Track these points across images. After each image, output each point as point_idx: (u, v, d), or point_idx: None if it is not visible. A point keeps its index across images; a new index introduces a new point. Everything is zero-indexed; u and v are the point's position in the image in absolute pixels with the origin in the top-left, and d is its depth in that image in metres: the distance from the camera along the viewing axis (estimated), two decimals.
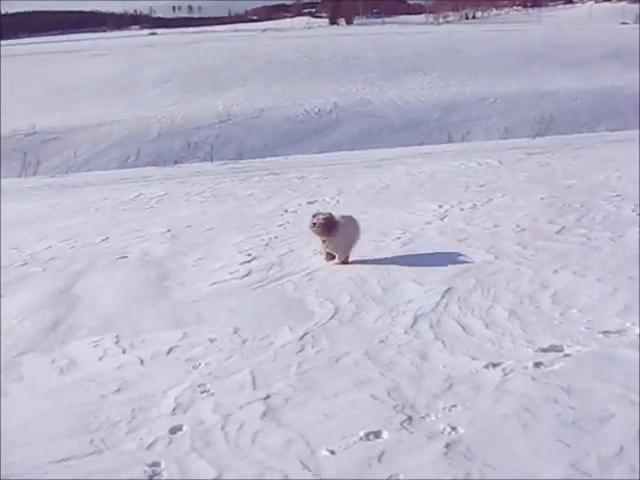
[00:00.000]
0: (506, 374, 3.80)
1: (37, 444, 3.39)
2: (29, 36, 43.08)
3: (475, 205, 7.98)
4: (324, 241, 6.02)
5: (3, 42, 41.83)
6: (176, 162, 14.08)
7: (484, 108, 21.90)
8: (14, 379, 4.18)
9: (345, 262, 6.12)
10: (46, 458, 3.25)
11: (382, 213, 7.91)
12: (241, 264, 6.23)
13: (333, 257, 6.12)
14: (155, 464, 3.14)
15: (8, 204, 10.42)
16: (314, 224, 5.94)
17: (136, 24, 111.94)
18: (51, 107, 18.72)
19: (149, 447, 3.29)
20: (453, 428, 3.30)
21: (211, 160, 13.98)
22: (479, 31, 51.42)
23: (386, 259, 6.18)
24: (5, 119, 17.36)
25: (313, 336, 4.50)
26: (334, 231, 5.94)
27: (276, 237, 7.13)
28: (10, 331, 5.01)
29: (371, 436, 3.27)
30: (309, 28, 38.41)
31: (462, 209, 7.85)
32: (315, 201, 8.93)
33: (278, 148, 14.82)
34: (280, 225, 7.68)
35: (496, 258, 5.95)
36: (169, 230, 7.73)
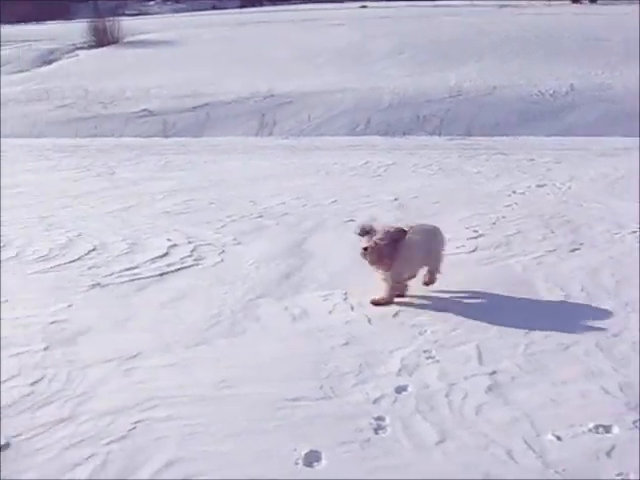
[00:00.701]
0: None
1: (271, 383, 3.63)
2: (273, 4, 45.24)
3: None
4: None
5: (249, 10, 44.19)
6: (404, 133, 14.13)
7: None
8: (252, 320, 4.49)
9: (387, 302, 4.67)
10: (279, 395, 3.48)
11: (617, 204, 7.48)
12: (468, 239, 6.19)
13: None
14: (380, 418, 3.26)
15: (247, 161, 11.11)
16: (365, 249, 4.60)
17: None
18: (289, 72, 19.50)
19: (375, 401, 3.41)
20: None
21: (439, 134, 13.91)
22: None
23: (620, 252, 5.85)
24: (246, 82, 18.38)
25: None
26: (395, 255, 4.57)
27: (504, 217, 7.00)
28: (247, 276, 5.37)
29: (600, 429, 3.17)
30: (549, 5, 36.65)
31: None
32: (545, 185, 8.63)
33: (508, 128, 14.38)
34: (507, 205, 7.52)
35: None
36: (396, 199, 7.84)
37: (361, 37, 23.83)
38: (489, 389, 3.51)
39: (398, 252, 4.54)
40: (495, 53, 20.45)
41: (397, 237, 4.56)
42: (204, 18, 37.88)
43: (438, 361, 3.82)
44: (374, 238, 4.56)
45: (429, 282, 4.93)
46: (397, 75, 18.53)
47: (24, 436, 3.20)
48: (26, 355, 4.05)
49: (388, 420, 3.24)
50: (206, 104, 16.74)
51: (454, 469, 2.89)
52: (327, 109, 15.78)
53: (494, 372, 3.68)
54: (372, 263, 4.61)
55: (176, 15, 44.85)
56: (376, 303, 4.66)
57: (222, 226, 6.86)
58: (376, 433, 3.14)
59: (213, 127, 15.56)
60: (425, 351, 3.95)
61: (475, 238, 6.25)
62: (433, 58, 20.28)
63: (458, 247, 5.98)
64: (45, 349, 4.13)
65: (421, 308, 4.61)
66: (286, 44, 24.02)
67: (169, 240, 6.34)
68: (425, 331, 4.23)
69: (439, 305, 4.64)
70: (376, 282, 4.79)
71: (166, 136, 14.98)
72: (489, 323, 4.34)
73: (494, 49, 20.89)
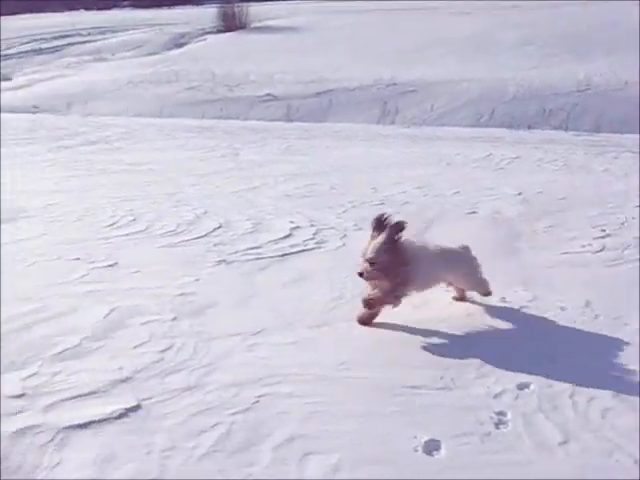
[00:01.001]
0: None
1: (391, 369, 3.66)
2: None
3: None
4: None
5: None
6: (529, 127, 13.76)
7: None
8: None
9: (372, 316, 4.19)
10: (398, 382, 3.51)
11: None
12: (594, 239, 6.00)
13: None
14: (501, 413, 3.23)
15: (369, 148, 11.14)
16: (360, 275, 4.07)
17: None
18: (412, 61, 19.35)
19: (496, 396, 3.38)
20: None
21: (565, 129, 13.47)
22: None
23: None
24: (368, 70, 18.38)
25: None
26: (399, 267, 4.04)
27: (633, 218, 6.73)
28: None
29: None
30: None
31: None
32: None
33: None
34: (638, 206, 7.21)
35: None
36: (520, 193, 7.68)
37: (487, 27, 23.32)
38: (615, 394, 3.40)
39: (408, 263, 4.06)
40: (626, 46, 19.49)
41: (395, 235, 4.14)
42: (330, 4, 38.10)
43: (562, 361, 3.74)
44: (366, 257, 4.03)
45: (459, 298, 4.58)
46: (523, 66, 18.04)
47: (154, 399, 3.37)
48: (156, 324, 4.25)
49: (509, 416, 3.20)
50: (329, 90, 16.87)
51: (577, 471, 2.83)
52: (451, 99, 15.58)
53: (620, 377, 3.57)
54: (374, 286, 4.11)
55: (302, 1, 45.31)
56: (363, 321, 4.20)
57: (343, 211, 6.93)
58: (497, 428, 3.12)
59: (336, 113, 15.68)
60: (548, 350, 3.87)
61: (602, 238, 6.05)
62: (561, 50, 19.59)
63: (584, 246, 5.82)
64: (173, 319, 4.32)
65: (544, 306, 4.51)
66: (411, 32, 23.83)
67: (292, 222, 6.47)
68: (548, 329, 4.14)
69: (563, 304, 4.52)
70: (499, 278, 4.69)
71: (289, 120, 15.22)
72: (615, 326, 4.20)
73: (625, 42, 19.91)
